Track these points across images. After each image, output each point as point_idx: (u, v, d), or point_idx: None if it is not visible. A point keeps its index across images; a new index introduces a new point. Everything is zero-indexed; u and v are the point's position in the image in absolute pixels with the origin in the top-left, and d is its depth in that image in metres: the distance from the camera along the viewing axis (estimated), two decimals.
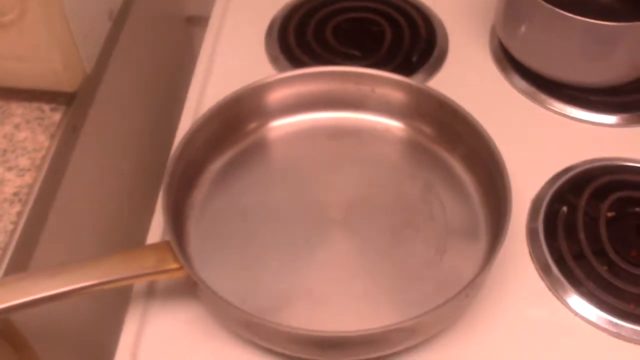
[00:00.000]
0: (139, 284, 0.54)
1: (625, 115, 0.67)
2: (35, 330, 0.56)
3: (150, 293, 0.54)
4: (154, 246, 0.50)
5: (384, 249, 0.55)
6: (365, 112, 0.63)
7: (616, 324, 0.52)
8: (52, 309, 0.48)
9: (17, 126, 0.61)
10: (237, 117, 0.60)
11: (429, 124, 0.61)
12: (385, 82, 0.61)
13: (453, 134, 0.60)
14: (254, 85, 0.60)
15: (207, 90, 0.68)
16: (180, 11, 0.95)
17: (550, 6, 0.63)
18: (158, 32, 0.86)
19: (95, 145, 0.66)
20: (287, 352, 0.49)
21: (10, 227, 0.54)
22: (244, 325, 0.49)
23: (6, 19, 0.53)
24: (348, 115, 0.63)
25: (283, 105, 0.62)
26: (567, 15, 0.62)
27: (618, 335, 0.52)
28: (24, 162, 0.58)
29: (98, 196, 0.70)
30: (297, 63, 0.69)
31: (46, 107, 0.62)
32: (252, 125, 0.62)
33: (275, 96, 0.61)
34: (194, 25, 0.98)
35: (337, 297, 0.53)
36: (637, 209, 0.59)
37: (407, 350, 0.50)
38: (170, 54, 0.91)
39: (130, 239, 0.75)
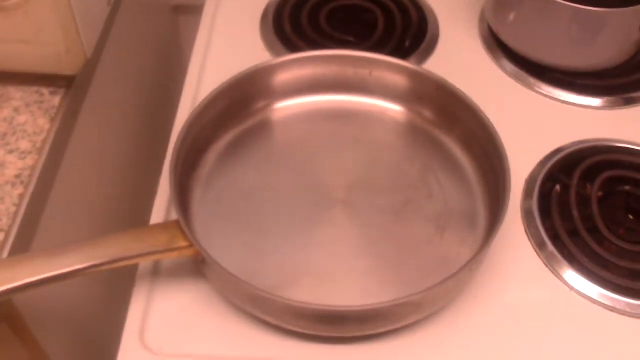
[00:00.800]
0: (144, 264, 0.54)
1: (610, 98, 0.69)
2: (37, 314, 0.56)
3: (156, 272, 0.54)
4: (164, 225, 0.51)
5: (386, 227, 0.57)
6: (364, 95, 0.64)
7: (610, 298, 0.54)
8: (54, 293, 0.48)
9: (16, 110, 0.61)
10: (243, 97, 0.61)
11: (427, 106, 0.63)
12: (383, 65, 0.63)
13: (450, 116, 0.61)
14: (261, 66, 0.61)
15: (204, 75, 0.68)
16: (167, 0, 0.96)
17: None
18: (147, 18, 0.87)
19: (94, 128, 0.66)
20: (295, 328, 0.50)
21: (13, 209, 0.54)
22: (254, 302, 0.50)
23: (12, 2, 0.53)
24: (347, 98, 0.64)
25: (287, 88, 0.63)
26: (554, 1, 0.64)
27: (612, 309, 0.54)
28: (24, 145, 0.58)
29: (98, 177, 0.70)
30: (293, 49, 0.70)
31: (45, 90, 0.62)
32: (257, 106, 0.63)
33: (279, 78, 0.62)
34: (179, 13, 0.98)
35: (341, 274, 0.54)
36: (625, 187, 0.61)
37: (411, 325, 0.52)
38: (159, 39, 0.92)
39: (130, 218, 0.75)
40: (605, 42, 0.67)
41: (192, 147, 0.57)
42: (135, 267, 0.54)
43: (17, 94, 0.62)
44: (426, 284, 0.49)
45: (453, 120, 0.61)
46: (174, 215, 0.55)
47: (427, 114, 0.63)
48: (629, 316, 0.54)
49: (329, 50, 0.63)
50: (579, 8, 0.64)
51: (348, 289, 0.53)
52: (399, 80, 0.63)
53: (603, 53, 0.68)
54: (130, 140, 0.79)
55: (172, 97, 0.69)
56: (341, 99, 0.65)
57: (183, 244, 0.49)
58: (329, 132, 0.63)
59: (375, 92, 0.64)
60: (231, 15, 0.75)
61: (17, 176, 0.56)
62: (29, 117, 0.60)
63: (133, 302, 0.53)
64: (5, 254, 0.51)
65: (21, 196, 0.55)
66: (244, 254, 0.55)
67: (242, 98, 0.61)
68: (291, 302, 0.48)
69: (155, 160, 0.62)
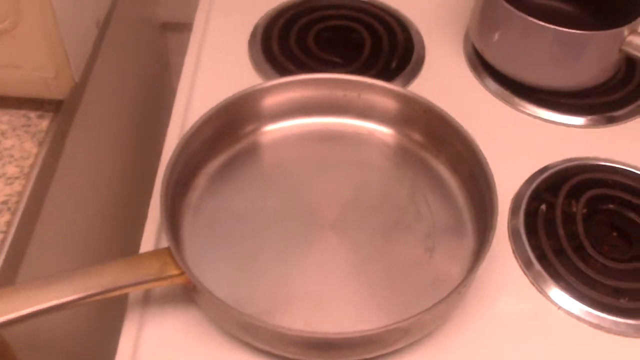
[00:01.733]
0: (135, 291, 0.54)
1: (593, 117, 0.70)
2: (26, 344, 0.56)
3: (147, 299, 0.54)
4: (155, 252, 0.51)
5: (376, 249, 0.57)
6: (353, 117, 0.65)
7: (596, 316, 0.55)
8: (43, 322, 0.48)
9: (3, 134, 0.60)
10: (232, 121, 0.62)
11: (415, 128, 0.63)
12: (371, 88, 0.63)
13: (438, 138, 0.62)
14: (250, 90, 0.61)
15: (193, 98, 0.69)
16: (155, 17, 0.96)
17: (522, 14, 0.66)
18: (136, 37, 0.87)
19: (82, 152, 0.66)
20: (286, 354, 0.50)
21: (0, 236, 0.54)
22: (245, 329, 0.50)
23: None
24: (336, 120, 0.65)
25: (275, 110, 0.63)
26: (537, 23, 0.65)
27: (598, 327, 0.55)
28: (11, 170, 0.58)
29: (86, 203, 0.70)
30: (281, 70, 0.70)
31: (32, 114, 0.62)
32: (247, 129, 0.63)
33: (268, 102, 0.63)
34: (168, 30, 0.98)
35: (332, 298, 0.54)
36: (610, 206, 0.62)
37: (402, 349, 0.52)
38: (147, 59, 0.92)
39: (120, 243, 0.75)
40: (587, 62, 0.68)
41: (181, 173, 0.57)
42: (126, 294, 0.54)
43: (4, 118, 0.61)
44: (417, 306, 0.50)
45: (441, 142, 0.62)
46: (164, 241, 0.56)
47: (416, 136, 0.64)
48: (615, 334, 0.55)
49: (318, 73, 0.64)
50: (560, 30, 0.65)
51: (338, 313, 0.53)
52: (387, 103, 0.63)
53: (585, 73, 0.70)
54: (118, 164, 0.79)
55: (161, 118, 0.69)
56: (330, 121, 0.65)
57: (174, 272, 0.49)
58: (319, 154, 0.64)
59: (363, 114, 0.64)
60: (219, 36, 0.76)
61: (4, 202, 0.56)
62: (15, 141, 0.60)
63: (124, 330, 0.53)
64: None
65: (8, 223, 0.54)
66: (235, 279, 0.55)
67: (231, 122, 0.62)
68: (282, 329, 0.48)
69: (144, 184, 0.62)
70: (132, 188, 0.80)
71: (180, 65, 0.72)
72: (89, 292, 0.47)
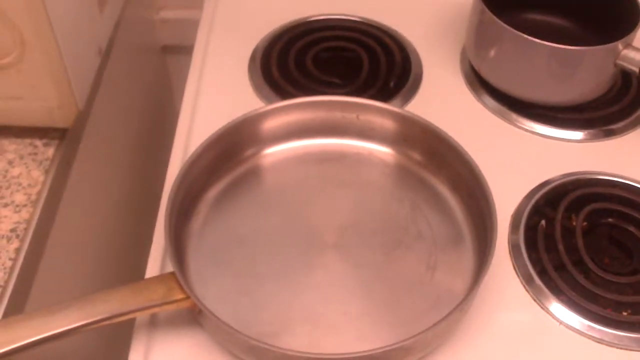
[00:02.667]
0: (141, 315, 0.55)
1: (591, 131, 0.71)
2: None
3: (153, 322, 0.55)
4: (160, 278, 0.52)
5: (378, 268, 0.58)
6: (352, 138, 0.66)
7: (598, 330, 0.55)
8: (51, 348, 0.49)
9: (10, 162, 0.62)
10: (233, 146, 0.63)
11: (414, 148, 0.64)
12: (369, 109, 0.64)
13: (437, 157, 0.63)
14: (249, 115, 0.62)
15: (195, 121, 0.70)
16: (156, 41, 0.97)
17: (516, 32, 0.67)
18: (137, 62, 0.88)
19: (88, 178, 0.67)
20: None
21: (9, 263, 0.55)
22: (251, 351, 0.51)
23: (4, 61, 0.54)
24: (336, 141, 0.66)
25: (275, 133, 0.64)
26: (533, 40, 0.66)
27: (600, 341, 0.55)
28: (19, 197, 0.59)
29: (92, 228, 0.71)
30: (281, 92, 0.71)
31: (39, 142, 0.63)
32: (247, 153, 0.64)
33: (268, 125, 0.64)
34: (168, 53, 1.00)
35: (335, 319, 0.55)
36: (609, 220, 0.62)
37: None
38: (149, 82, 0.93)
39: (126, 267, 0.76)
40: (583, 77, 0.69)
41: (184, 198, 0.58)
42: (132, 319, 0.55)
43: (11, 147, 0.63)
44: (419, 324, 0.50)
45: (440, 161, 0.63)
46: (169, 266, 0.56)
47: (415, 155, 0.65)
48: (617, 347, 0.55)
49: (316, 96, 0.65)
50: (555, 47, 0.66)
51: (342, 333, 0.54)
52: (385, 123, 0.64)
53: (581, 88, 0.70)
54: (123, 189, 0.80)
55: (165, 140, 0.70)
56: (330, 142, 0.66)
57: (180, 296, 0.50)
58: (319, 175, 0.64)
59: (363, 135, 0.65)
60: (219, 60, 0.77)
61: (13, 230, 0.57)
62: (23, 170, 0.61)
63: (132, 353, 0.53)
64: (2, 308, 0.52)
65: (17, 250, 0.56)
66: (239, 302, 0.55)
67: (232, 146, 0.62)
68: (287, 351, 0.48)
69: (149, 208, 0.63)
70: (137, 212, 0.81)
71: (181, 87, 0.73)
72: (96, 318, 0.48)
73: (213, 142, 0.60)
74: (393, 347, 0.48)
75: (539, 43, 0.66)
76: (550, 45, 0.66)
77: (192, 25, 0.82)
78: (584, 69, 0.68)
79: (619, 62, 0.67)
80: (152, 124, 0.91)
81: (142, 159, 0.85)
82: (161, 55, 0.99)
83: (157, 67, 0.98)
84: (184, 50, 0.83)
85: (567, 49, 0.66)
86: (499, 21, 0.68)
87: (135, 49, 0.87)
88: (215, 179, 0.62)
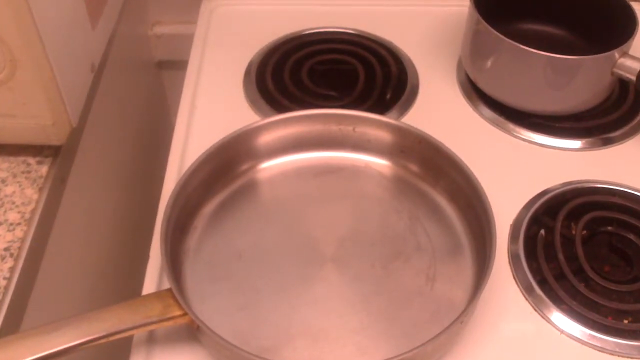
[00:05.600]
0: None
1: (589, 140, 0.70)
2: None
3: (151, 339, 0.54)
4: (157, 294, 0.51)
5: (376, 281, 0.57)
6: (349, 150, 0.65)
7: (599, 338, 0.55)
8: None
9: (3, 181, 0.61)
10: (229, 160, 0.62)
11: (411, 159, 0.64)
12: (365, 121, 0.64)
13: (435, 169, 0.62)
14: (245, 129, 0.62)
15: (190, 136, 0.69)
16: (150, 57, 0.97)
17: (512, 42, 0.67)
18: (131, 78, 0.88)
19: (82, 196, 0.67)
20: None
21: (4, 282, 0.54)
22: None
23: None
24: (333, 154, 0.66)
25: (271, 147, 0.64)
26: (529, 50, 0.66)
27: (602, 349, 0.55)
28: (13, 216, 0.59)
29: (87, 246, 0.70)
30: (276, 106, 0.71)
31: (32, 160, 0.62)
32: (243, 167, 0.64)
33: (264, 139, 0.64)
34: (163, 68, 1.00)
35: (334, 332, 0.54)
36: (608, 228, 0.62)
37: None
38: (144, 98, 0.93)
39: (122, 285, 0.75)
40: (580, 86, 0.69)
41: (180, 214, 0.57)
42: (130, 336, 0.54)
43: (4, 165, 0.62)
44: (419, 336, 0.50)
45: (437, 172, 0.62)
46: (166, 283, 0.56)
47: (412, 166, 0.64)
48: (619, 355, 0.55)
49: (312, 109, 0.65)
50: (552, 56, 0.66)
51: (342, 346, 0.54)
52: (382, 135, 0.64)
53: (578, 97, 0.70)
54: (119, 206, 0.79)
55: (160, 155, 0.70)
56: (326, 155, 0.66)
57: (177, 312, 0.49)
58: (316, 188, 0.64)
59: (359, 147, 0.65)
60: (214, 74, 0.77)
61: (7, 249, 0.56)
62: (16, 188, 0.61)
63: None
64: None
65: (11, 269, 0.55)
66: (237, 317, 0.55)
67: (227, 161, 0.62)
68: None
69: (145, 224, 0.63)
70: (133, 229, 0.81)
71: (176, 102, 0.73)
72: (93, 337, 0.47)
73: (209, 157, 0.59)
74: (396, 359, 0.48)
75: (536, 53, 0.66)
76: (547, 55, 0.66)
77: (186, 40, 0.82)
78: (581, 78, 0.68)
79: (616, 70, 0.67)
80: (147, 140, 0.91)
81: (137, 175, 0.85)
82: (156, 70, 0.99)
83: (151, 82, 0.98)
84: (179, 66, 0.83)
85: (564, 59, 0.66)
86: (495, 31, 0.68)
87: (129, 65, 0.87)
88: (212, 194, 0.62)
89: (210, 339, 0.50)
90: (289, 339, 0.54)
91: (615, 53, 0.67)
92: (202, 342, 0.53)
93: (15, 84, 0.55)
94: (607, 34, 0.70)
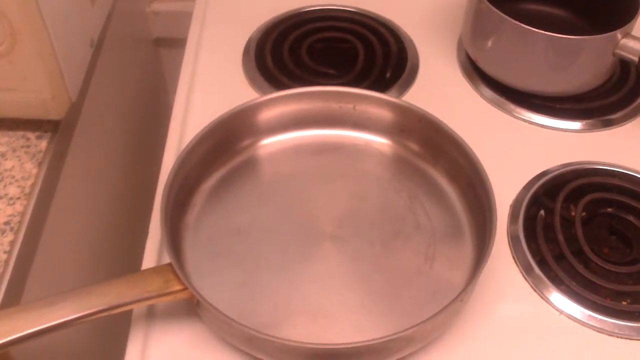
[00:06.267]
0: (139, 307, 0.55)
1: (589, 121, 0.70)
2: None
3: (151, 314, 0.55)
4: (157, 269, 0.51)
5: (376, 259, 0.57)
6: (349, 128, 0.65)
7: (598, 319, 0.55)
8: (49, 340, 0.48)
9: (3, 155, 0.61)
10: (229, 136, 0.62)
11: (411, 138, 0.64)
12: (365, 99, 0.64)
13: (435, 148, 0.62)
14: (245, 105, 0.62)
15: (189, 114, 0.69)
16: (148, 33, 0.96)
17: (515, 21, 0.66)
18: (130, 55, 0.87)
19: (81, 170, 0.67)
20: None
21: (4, 256, 0.54)
22: (249, 342, 0.50)
23: None
24: (333, 132, 0.65)
25: (272, 124, 0.64)
26: (531, 30, 0.66)
27: (601, 330, 0.55)
28: (13, 190, 0.59)
29: (87, 220, 0.70)
30: (275, 83, 0.71)
31: (31, 135, 0.62)
32: (244, 143, 0.63)
33: (264, 116, 0.63)
34: (161, 46, 0.99)
35: (333, 309, 0.54)
36: (608, 209, 0.62)
37: (404, 357, 0.52)
38: (142, 75, 0.92)
39: (121, 260, 0.75)
40: (581, 67, 0.69)
41: (180, 189, 0.57)
42: (130, 310, 0.54)
43: (3, 139, 0.62)
44: (418, 316, 0.50)
45: (437, 151, 0.62)
46: (166, 258, 0.56)
47: (412, 145, 0.64)
48: (618, 337, 0.55)
49: (313, 86, 0.64)
50: (554, 36, 0.65)
51: (341, 324, 0.54)
52: (382, 114, 0.64)
53: (579, 78, 0.70)
54: (117, 181, 0.79)
55: (158, 132, 0.70)
56: (326, 133, 0.65)
57: (177, 287, 0.49)
58: (316, 166, 0.64)
59: (359, 125, 0.65)
60: (213, 51, 0.76)
61: (7, 223, 0.56)
62: (15, 162, 0.60)
63: (129, 346, 0.53)
64: None
65: (12, 243, 0.55)
66: (236, 293, 0.55)
67: (228, 137, 0.62)
68: (286, 341, 0.48)
69: (144, 199, 0.63)
70: (132, 204, 0.80)
71: (174, 79, 0.73)
72: (93, 310, 0.47)
73: (209, 132, 0.59)
74: (393, 337, 0.48)
75: (537, 32, 0.66)
76: (549, 35, 0.65)
77: (184, 18, 0.81)
78: (582, 59, 0.68)
79: (618, 51, 0.67)
80: (145, 116, 0.91)
81: (136, 151, 0.85)
82: (153, 47, 0.98)
83: (149, 59, 0.98)
84: (176, 43, 0.83)
85: (566, 38, 0.66)
86: (497, 10, 0.67)
87: (127, 42, 0.86)
88: (212, 170, 0.62)
89: (210, 313, 0.50)
90: (287, 316, 0.54)
91: (618, 34, 0.66)
92: (202, 317, 0.53)
93: (15, 57, 0.55)
94: (609, 15, 0.70)
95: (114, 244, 0.76)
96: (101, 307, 0.47)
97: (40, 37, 0.55)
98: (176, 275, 0.50)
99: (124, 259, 0.75)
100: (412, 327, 0.48)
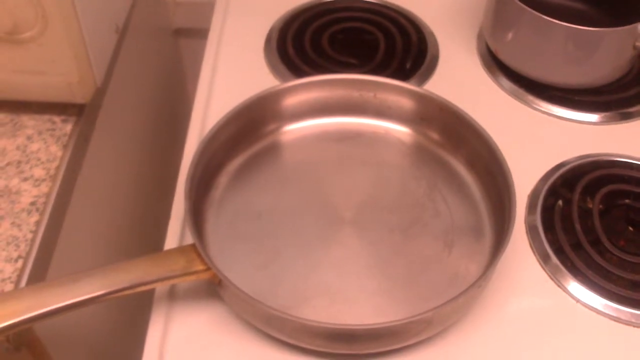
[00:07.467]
0: (161, 287, 0.55)
1: (607, 114, 0.71)
2: (56, 339, 0.57)
3: (172, 295, 0.56)
4: (181, 249, 0.52)
5: (395, 245, 0.58)
6: (369, 116, 0.66)
7: (615, 308, 0.56)
8: (72, 318, 0.49)
9: (29, 138, 0.62)
10: (254, 120, 0.63)
11: (431, 126, 0.64)
12: (386, 87, 0.64)
13: (455, 136, 0.63)
14: (270, 90, 0.63)
15: (212, 99, 0.70)
16: (169, 24, 0.97)
17: (535, 12, 0.67)
18: (151, 43, 0.88)
19: (105, 154, 0.68)
20: (310, 346, 0.51)
21: (30, 236, 0.55)
22: (270, 322, 0.51)
23: (26, 35, 0.55)
24: (354, 120, 0.66)
25: (295, 111, 0.65)
26: (551, 21, 0.66)
27: (617, 319, 0.55)
28: (38, 172, 0.60)
29: (110, 202, 0.71)
30: (297, 72, 0.72)
31: (57, 118, 0.63)
32: (268, 128, 0.65)
33: (288, 102, 0.64)
34: (181, 36, 1.00)
35: (353, 293, 0.55)
36: (625, 201, 0.63)
37: (423, 341, 0.53)
38: (162, 64, 0.93)
39: (143, 241, 0.76)
40: (601, 59, 0.69)
41: (204, 171, 0.58)
42: (152, 291, 0.55)
43: (30, 122, 0.63)
44: (436, 301, 0.50)
45: (458, 140, 0.63)
46: (188, 239, 0.57)
47: (432, 134, 0.65)
48: (634, 326, 0.55)
49: (334, 74, 0.65)
50: (575, 28, 0.66)
51: (360, 307, 0.54)
52: (402, 102, 0.65)
53: (599, 70, 0.70)
54: (140, 164, 0.80)
55: (179, 119, 0.71)
56: (348, 120, 0.66)
57: (200, 267, 0.50)
58: (337, 153, 0.65)
59: (380, 113, 0.66)
60: (235, 40, 0.77)
61: (33, 203, 0.58)
62: (41, 145, 0.61)
63: (151, 325, 0.54)
64: (24, 279, 0.53)
65: (37, 223, 0.56)
66: (257, 275, 0.56)
67: (252, 122, 0.63)
68: (307, 321, 0.49)
69: (165, 182, 0.64)
70: (154, 187, 0.81)
71: (193, 70, 0.74)
72: (118, 287, 0.48)
73: (234, 116, 0.60)
74: (413, 319, 0.48)
75: (558, 24, 0.66)
76: (569, 27, 0.66)
77: (204, 8, 0.82)
78: (602, 51, 0.68)
79: (639, 44, 0.67)
80: (166, 103, 0.91)
81: (158, 135, 0.86)
82: (173, 37, 0.99)
83: (170, 49, 0.99)
84: (196, 33, 0.83)
85: (586, 30, 0.66)
86: (517, 2, 0.68)
87: (149, 30, 0.87)
88: (235, 153, 0.62)
89: (231, 293, 0.51)
90: (307, 298, 0.55)
91: (639, 26, 0.66)
92: (223, 297, 0.54)
93: (45, 40, 0.56)
94: (630, 8, 0.70)
95: (136, 225, 0.77)
96: (126, 285, 0.48)
97: (70, 22, 0.56)
98: (199, 255, 0.51)
99: (145, 240, 0.77)
100: (432, 309, 0.49)
